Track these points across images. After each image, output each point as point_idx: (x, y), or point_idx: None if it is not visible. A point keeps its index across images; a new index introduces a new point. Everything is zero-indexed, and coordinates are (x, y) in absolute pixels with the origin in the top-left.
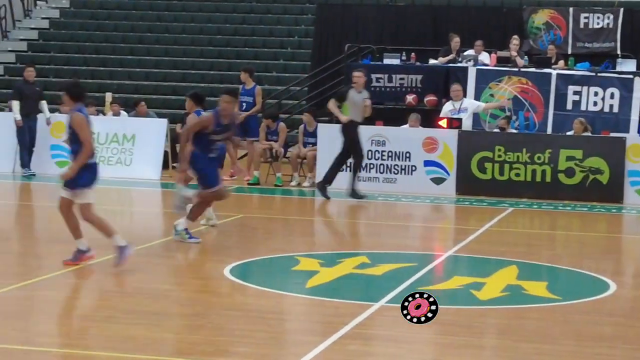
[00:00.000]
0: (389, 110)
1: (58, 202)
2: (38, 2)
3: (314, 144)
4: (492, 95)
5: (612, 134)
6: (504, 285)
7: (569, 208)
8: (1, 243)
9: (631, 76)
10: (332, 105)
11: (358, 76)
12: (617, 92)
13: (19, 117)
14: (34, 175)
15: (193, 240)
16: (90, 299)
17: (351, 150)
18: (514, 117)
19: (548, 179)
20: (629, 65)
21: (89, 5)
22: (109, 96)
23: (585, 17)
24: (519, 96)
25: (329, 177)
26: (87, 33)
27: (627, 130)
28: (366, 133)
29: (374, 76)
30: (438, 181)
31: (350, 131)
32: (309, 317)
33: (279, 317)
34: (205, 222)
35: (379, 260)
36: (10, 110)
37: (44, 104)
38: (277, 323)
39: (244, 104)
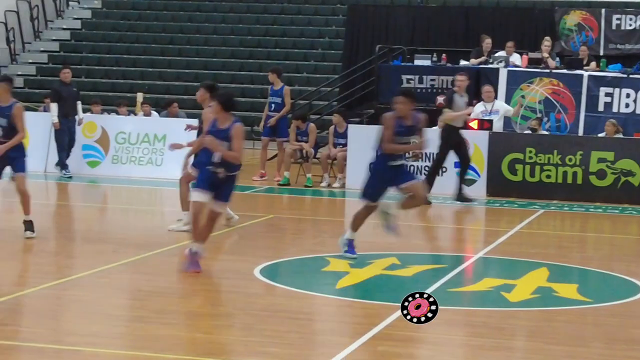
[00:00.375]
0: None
1: (200, 208)
2: (70, 2)
3: (344, 144)
4: (523, 96)
5: None
6: (534, 288)
7: (600, 210)
8: (33, 242)
9: None
10: (448, 116)
11: (461, 80)
12: None
13: (56, 119)
14: (70, 177)
15: (351, 255)
16: (120, 298)
17: (459, 154)
18: (545, 119)
19: (579, 180)
20: None
21: (121, 6)
22: (140, 96)
23: (617, 19)
24: (550, 98)
25: (460, 189)
26: (119, 33)
27: None
28: None
29: (404, 77)
30: (468, 182)
31: (450, 136)
32: (339, 318)
33: (308, 317)
34: (226, 222)
35: (409, 262)
36: (45, 110)
37: (79, 105)
38: (307, 324)
39: (273, 105)
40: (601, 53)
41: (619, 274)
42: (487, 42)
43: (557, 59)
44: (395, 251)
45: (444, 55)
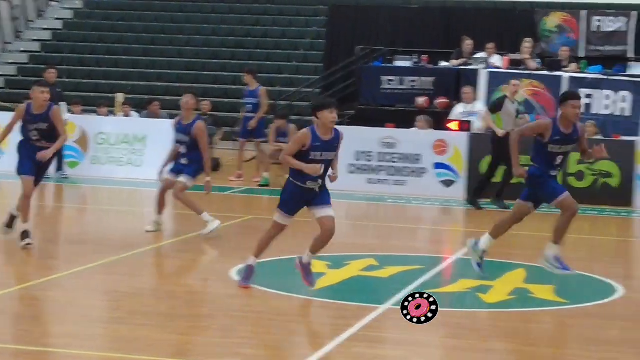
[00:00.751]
0: (400, 113)
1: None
2: (51, 2)
3: None
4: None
5: (623, 138)
6: (511, 289)
7: (579, 212)
8: (11, 243)
9: None
10: (487, 116)
11: (516, 84)
12: (629, 96)
13: None
14: (49, 178)
15: (562, 272)
16: (97, 300)
17: (506, 163)
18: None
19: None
20: None
21: (102, 6)
22: (120, 97)
23: (598, 20)
24: (530, 99)
25: (479, 191)
26: (100, 34)
27: (638, 134)
28: (376, 135)
29: (385, 78)
30: (448, 184)
31: (503, 144)
32: (315, 319)
33: (285, 318)
34: (155, 227)
35: (387, 263)
36: None
37: (63, 106)
38: (283, 325)
39: (250, 106)
40: (581, 54)
41: (597, 276)
42: (468, 44)
43: (538, 60)
44: (373, 252)
45: (424, 57)
